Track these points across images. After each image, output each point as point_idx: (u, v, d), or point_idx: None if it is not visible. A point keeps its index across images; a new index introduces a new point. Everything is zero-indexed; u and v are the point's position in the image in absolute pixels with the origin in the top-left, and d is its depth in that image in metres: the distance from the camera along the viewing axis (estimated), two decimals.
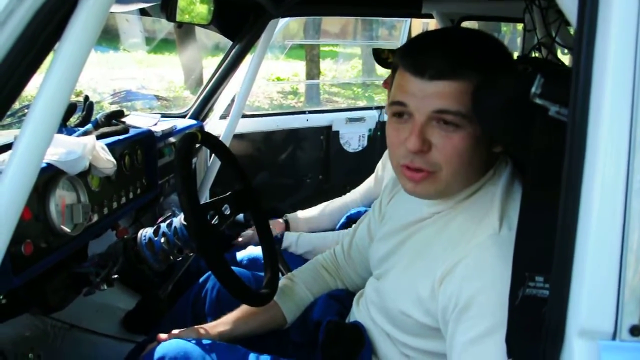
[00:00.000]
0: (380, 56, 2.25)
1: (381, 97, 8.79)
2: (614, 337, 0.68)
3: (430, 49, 1.08)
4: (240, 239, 2.22)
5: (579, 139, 0.67)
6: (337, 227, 2.31)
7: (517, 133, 0.92)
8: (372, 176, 2.39)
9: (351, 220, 2.19)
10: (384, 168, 2.26)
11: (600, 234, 0.66)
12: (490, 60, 1.06)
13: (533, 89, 0.79)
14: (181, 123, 2.37)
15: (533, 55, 1.87)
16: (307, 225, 2.33)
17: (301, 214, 2.39)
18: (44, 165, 1.29)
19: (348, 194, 2.45)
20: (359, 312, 1.36)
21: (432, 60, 1.03)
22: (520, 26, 2.63)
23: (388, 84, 2.01)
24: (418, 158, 1.06)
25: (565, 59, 2.92)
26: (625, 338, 0.68)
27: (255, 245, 2.13)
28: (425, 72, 1.03)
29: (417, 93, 1.04)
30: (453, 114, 1.03)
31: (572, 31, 1.91)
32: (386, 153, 2.28)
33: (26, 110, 1.56)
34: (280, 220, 2.32)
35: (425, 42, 1.12)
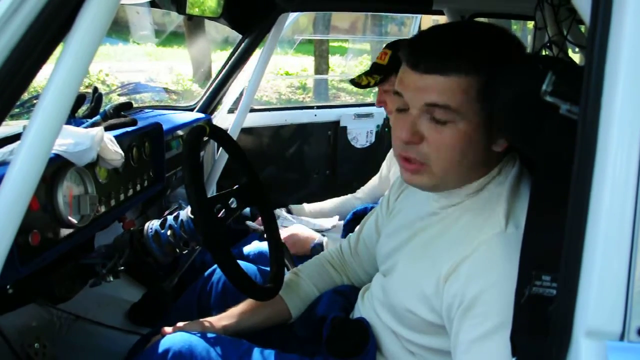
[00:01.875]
0: (360, 84, 2.07)
1: None
2: (621, 338, 0.67)
3: (426, 43, 1.10)
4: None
5: (589, 138, 0.67)
6: (344, 223, 2.31)
7: (527, 131, 0.91)
8: (377, 176, 2.39)
9: (357, 217, 2.18)
10: (389, 168, 2.25)
11: (610, 233, 0.66)
12: (488, 58, 1.04)
13: (544, 87, 0.78)
14: (189, 116, 2.37)
15: (543, 53, 1.86)
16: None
17: (307, 206, 2.39)
18: (52, 155, 1.29)
19: (354, 193, 2.46)
20: (363, 307, 1.36)
21: (425, 55, 1.06)
22: (530, 24, 2.61)
23: (382, 102, 2.01)
24: (410, 149, 1.09)
25: (576, 57, 2.90)
26: (633, 339, 0.67)
27: (261, 240, 2.14)
28: (418, 65, 1.06)
29: (411, 85, 1.07)
30: (442, 108, 1.04)
31: (583, 29, 1.90)
32: (390, 153, 2.28)
33: (35, 101, 1.56)
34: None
35: (425, 36, 1.14)
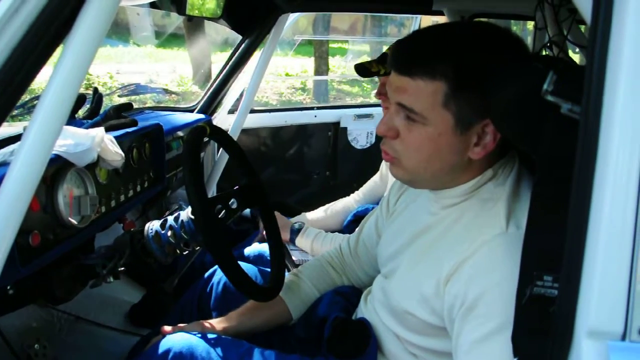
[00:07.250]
0: (370, 70, 1.97)
1: None
2: (623, 338, 0.67)
3: (405, 44, 1.12)
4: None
5: (591, 137, 0.67)
6: (344, 225, 2.31)
7: (528, 130, 0.91)
8: (377, 175, 2.39)
9: (358, 218, 2.18)
10: (388, 167, 2.24)
11: (612, 233, 0.66)
12: (462, 65, 1.02)
13: (545, 86, 0.78)
14: (189, 117, 2.37)
15: (544, 53, 1.86)
16: (313, 226, 2.32)
17: (308, 215, 2.39)
18: (52, 156, 1.29)
19: (352, 194, 2.44)
20: (366, 310, 1.36)
21: (398, 56, 1.09)
22: (530, 24, 2.62)
23: (382, 95, 1.96)
24: (385, 142, 1.13)
25: (576, 58, 2.90)
26: (635, 339, 0.67)
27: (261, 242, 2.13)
28: (393, 66, 1.08)
29: (391, 84, 1.09)
30: (408, 110, 1.06)
31: (583, 29, 1.90)
32: None
33: (35, 102, 1.56)
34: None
35: (408, 37, 1.15)
